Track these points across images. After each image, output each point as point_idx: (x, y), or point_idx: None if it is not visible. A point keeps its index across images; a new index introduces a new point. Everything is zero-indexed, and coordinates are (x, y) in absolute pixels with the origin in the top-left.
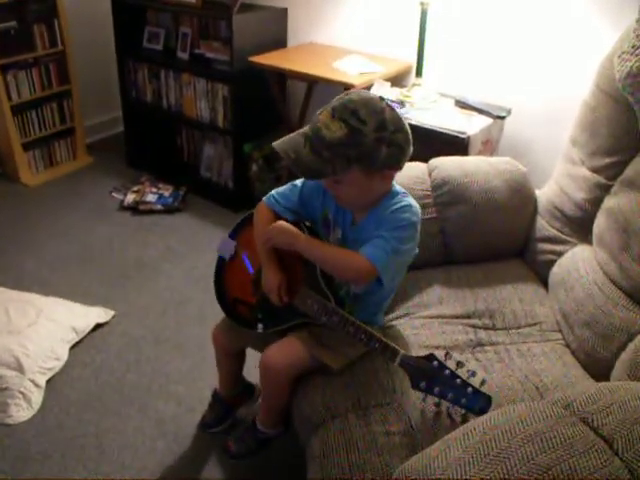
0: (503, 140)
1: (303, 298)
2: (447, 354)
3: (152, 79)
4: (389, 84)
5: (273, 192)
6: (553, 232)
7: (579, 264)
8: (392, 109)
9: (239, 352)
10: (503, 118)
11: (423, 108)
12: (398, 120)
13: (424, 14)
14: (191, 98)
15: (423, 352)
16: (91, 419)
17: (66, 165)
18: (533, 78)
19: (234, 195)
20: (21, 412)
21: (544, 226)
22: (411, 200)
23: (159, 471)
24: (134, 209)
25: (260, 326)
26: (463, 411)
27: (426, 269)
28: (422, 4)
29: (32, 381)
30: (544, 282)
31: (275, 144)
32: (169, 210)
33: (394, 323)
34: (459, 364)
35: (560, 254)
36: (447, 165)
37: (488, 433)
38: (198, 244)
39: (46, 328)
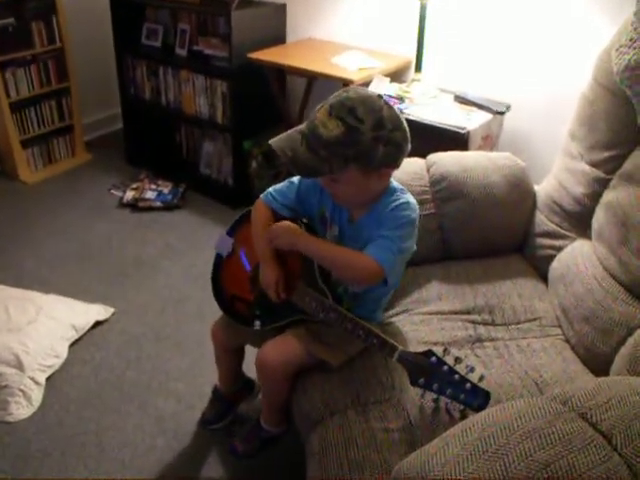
0: (503, 135)
1: (301, 295)
2: (445, 350)
3: (151, 76)
4: (388, 79)
5: (270, 189)
6: (552, 227)
7: (578, 259)
8: (390, 107)
9: (238, 348)
10: (503, 113)
11: (422, 103)
12: (396, 118)
13: (423, 9)
14: (190, 95)
15: (422, 348)
16: (91, 417)
17: (65, 162)
18: (532, 73)
19: (233, 192)
20: (21, 410)
21: (543, 221)
22: (409, 197)
23: (159, 468)
24: (133, 206)
25: (257, 323)
26: (462, 407)
27: (425, 265)
28: None
29: (32, 379)
30: (543, 277)
31: (272, 142)
32: (168, 207)
33: (393, 319)
34: (457, 360)
35: (559, 249)
36: (445, 160)
37: (487, 430)
38: (197, 241)
39: (46, 326)
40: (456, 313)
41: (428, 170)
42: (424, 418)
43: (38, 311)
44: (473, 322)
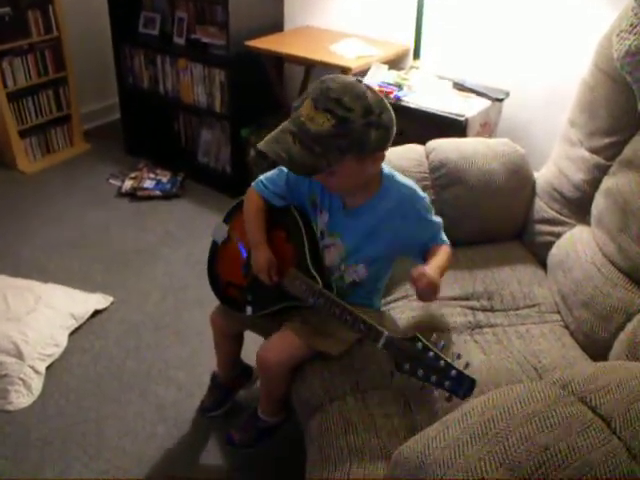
0: (501, 122)
1: (291, 279)
2: (433, 336)
3: (149, 65)
4: (386, 67)
5: (262, 177)
6: (551, 213)
7: (578, 245)
8: (372, 90)
9: (237, 334)
10: (501, 100)
11: (421, 91)
12: (381, 101)
13: None
14: (188, 83)
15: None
16: (91, 405)
17: (63, 152)
18: (531, 60)
19: (232, 180)
20: (21, 399)
21: (542, 208)
22: (404, 180)
23: (159, 456)
24: (132, 195)
25: (249, 309)
26: (447, 394)
27: None
28: None
29: (32, 367)
30: (543, 264)
31: (261, 146)
32: (167, 196)
33: (392, 305)
34: (444, 346)
35: (558, 235)
36: (445, 147)
37: (486, 413)
38: (196, 230)
39: (45, 315)
40: (455, 299)
41: (427, 157)
42: (424, 403)
43: (37, 300)
44: (472, 308)
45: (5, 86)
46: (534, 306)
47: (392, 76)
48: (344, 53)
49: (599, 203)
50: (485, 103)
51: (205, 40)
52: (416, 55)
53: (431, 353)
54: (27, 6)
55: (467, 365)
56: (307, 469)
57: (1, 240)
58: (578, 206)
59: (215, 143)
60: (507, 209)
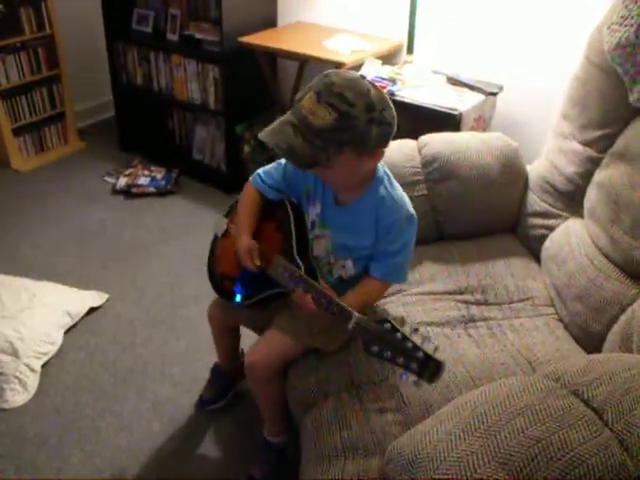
0: (495, 116)
1: (276, 266)
2: (405, 321)
3: (142, 62)
4: (380, 62)
5: (260, 171)
6: (544, 207)
7: (571, 238)
8: (375, 86)
9: (234, 328)
10: (495, 94)
11: (415, 85)
12: (383, 98)
13: None
14: (182, 80)
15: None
16: (87, 402)
17: (57, 150)
18: (525, 54)
19: (227, 177)
20: (17, 396)
21: (535, 201)
22: (399, 191)
23: (156, 452)
24: (127, 192)
25: (238, 297)
26: (415, 378)
27: (418, 246)
28: None
29: (27, 365)
30: (536, 257)
31: (262, 136)
32: (162, 193)
33: (386, 300)
34: (415, 330)
35: (552, 228)
36: (437, 141)
37: (479, 407)
38: (191, 226)
39: (40, 312)
40: (449, 293)
41: (420, 151)
42: (418, 397)
43: (32, 298)
44: (466, 302)
45: None
46: (528, 299)
47: (386, 71)
48: (338, 48)
49: (591, 196)
50: (479, 97)
51: (198, 36)
52: (410, 50)
53: (399, 334)
54: (19, 3)
55: (436, 349)
56: (302, 464)
57: None
58: (571, 199)
59: (209, 139)
60: (500, 203)
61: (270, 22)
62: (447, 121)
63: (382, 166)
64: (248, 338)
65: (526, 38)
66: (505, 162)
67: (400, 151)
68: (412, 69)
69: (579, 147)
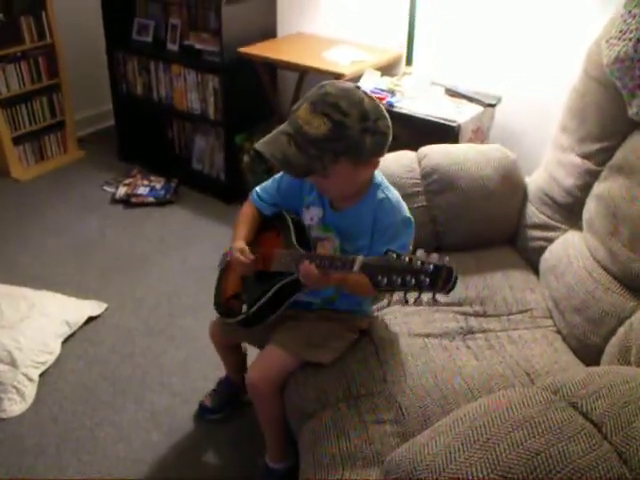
0: (494, 128)
1: (278, 259)
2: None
3: (142, 71)
4: (379, 73)
5: (257, 188)
6: (543, 219)
7: (569, 250)
8: (370, 97)
9: (236, 345)
10: (494, 106)
11: (413, 97)
12: (377, 107)
13: (413, 2)
14: (181, 90)
15: (413, 339)
16: (85, 412)
17: (57, 159)
18: (523, 66)
19: (226, 187)
20: (15, 406)
21: (534, 213)
22: (394, 194)
23: (154, 462)
24: (126, 202)
25: (244, 307)
26: (430, 295)
27: None
28: None
29: (25, 375)
30: (535, 269)
31: (258, 146)
32: (161, 203)
33: (385, 310)
34: (424, 252)
35: (550, 240)
36: (436, 153)
37: (478, 420)
38: (190, 236)
39: (39, 322)
40: (448, 305)
41: (419, 163)
42: (416, 409)
43: (31, 307)
44: (465, 314)
45: None
46: (526, 311)
47: (385, 82)
48: (337, 59)
49: (590, 208)
50: (477, 109)
51: (198, 46)
52: (409, 61)
53: (405, 258)
54: (20, 12)
55: (446, 259)
56: (300, 475)
57: None
58: (569, 211)
59: (209, 150)
60: (499, 215)
61: (270, 33)
62: (445, 133)
63: (378, 173)
64: (254, 352)
65: (524, 50)
66: (504, 174)
67: (399, 162)
68: (411, 80)
69: (578, 160)
